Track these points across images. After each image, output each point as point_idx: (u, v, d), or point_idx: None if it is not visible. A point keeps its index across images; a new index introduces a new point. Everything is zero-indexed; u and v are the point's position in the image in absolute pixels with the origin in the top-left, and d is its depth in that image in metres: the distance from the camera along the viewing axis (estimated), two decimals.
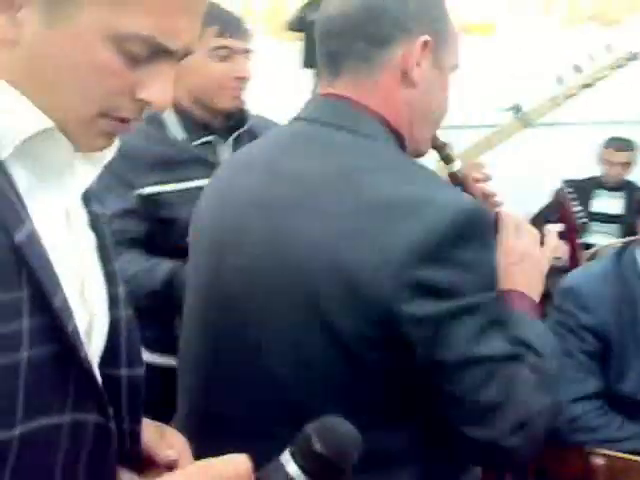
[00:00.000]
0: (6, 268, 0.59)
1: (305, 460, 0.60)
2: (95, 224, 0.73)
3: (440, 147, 1.04)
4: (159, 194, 1.25)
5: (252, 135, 1.40)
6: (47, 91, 0.63)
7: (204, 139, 1.43)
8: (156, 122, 1.39)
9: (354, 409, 0.72)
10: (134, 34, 0.61)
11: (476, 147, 1.67)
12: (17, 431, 0.58)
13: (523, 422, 0.82)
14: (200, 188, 1.18)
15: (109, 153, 0.71)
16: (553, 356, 0.89)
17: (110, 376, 0.70)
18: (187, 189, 1.36)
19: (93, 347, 0.67)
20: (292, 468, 0.60)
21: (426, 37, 0.92)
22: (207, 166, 1.33)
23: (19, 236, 0.59)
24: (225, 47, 1.39)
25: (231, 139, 1.43)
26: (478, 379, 0.81)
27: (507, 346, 0.83)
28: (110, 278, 0.72)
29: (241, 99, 1.44)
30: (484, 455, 0.87)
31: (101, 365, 0.70)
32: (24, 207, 0.62)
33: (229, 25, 1.40)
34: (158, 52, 0.63)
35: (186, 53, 0.66)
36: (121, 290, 0.73)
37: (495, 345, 0.82)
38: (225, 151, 1.44)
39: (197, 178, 1.35)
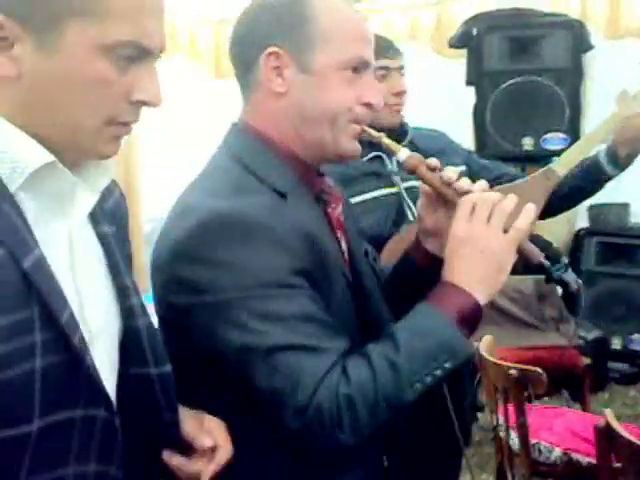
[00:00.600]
0: (16, 291, 0.68)
1: None
2: (104, 242, 0.82)
3: (379, 141, 1.03)
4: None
5: (414, 147, 1.51)
6: (52, 116, 0.71)
7: (372, 154, 1.58)
8: None
9: (183, 380, 0.85)
10: (119, 41, 0.70)
11: (575, 149, 1.74)
12: (35, 426, 0.70)
13: (306, 407, 0.84)
14: (375, 198, 1.54)
15: (106, 180, 0.80)
16: (412, 356, 0.86)
17: (141, 375, 0.83)
18: (363, 201, 1.56)
19: (98, 354, 0.76)
20: None
21: (271, 49, 0.95)
22: (377, 178, 1.58)
23: (27, 263, 0.69)
24: (382, 67, 1.56)
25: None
26: (255, 367, 0.86)
27: (285, 336, 0.86)
28: (122, 291, 0.82)
29: (400, 114, 1.59)
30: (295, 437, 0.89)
31: (131, 367, 0.83)
32: (32, 235, 0.71)
33: (382, 47, 1.55)
34: (140, 55, 0.72)
35: (161, 52, 0.75)
36: (136, 301, 0.83)
37: (264, 336, 0.86)
38: (393, 163, 1.61)
39: (370, 190, 1.58)
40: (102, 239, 0.82)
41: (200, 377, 0.94)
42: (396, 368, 0.86)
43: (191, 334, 0.92)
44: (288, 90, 0.97)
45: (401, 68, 1.64)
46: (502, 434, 1.95)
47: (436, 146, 1.64)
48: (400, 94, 1.62)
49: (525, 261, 0.96)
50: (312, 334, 0.88)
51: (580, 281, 1.09)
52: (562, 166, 1.64)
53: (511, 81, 2.85)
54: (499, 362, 1.84)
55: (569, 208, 1.88)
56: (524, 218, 0.94)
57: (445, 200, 0.98)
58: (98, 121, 0.72)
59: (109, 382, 0.79)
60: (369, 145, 1.41)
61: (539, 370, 1.75)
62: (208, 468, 0.85)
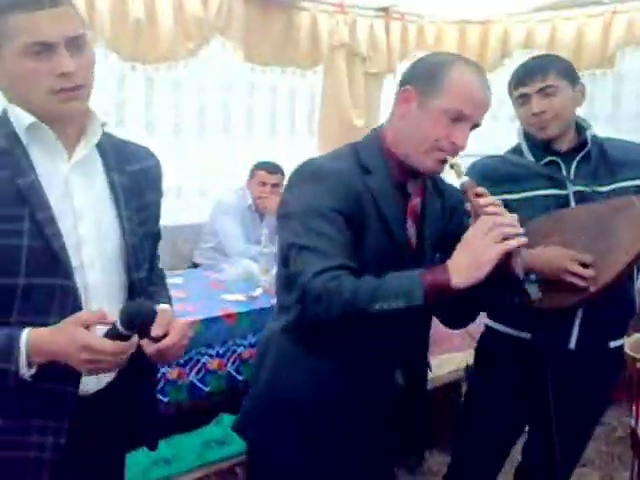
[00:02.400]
0: (12, 201, 1.16)
1: (120, 320, 1.16)
2: (112, 185, 1.29)
3: (452, 166, 1.35)
4: (505, 200, 1.48)
5: (601, 154, 1.81)
6: (21, 98, 1.21)
7: (547, 159, 1.82)
8: (518, 151, 1.88)
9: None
10: (31, 42, 1.14)
11: None
12: (21, 281, 1.16)
13: (303, 287, 1.26)
14: (543, 196, 1.78)
15: (96, 136, 1.26)
16: (386, 287, 1.22)
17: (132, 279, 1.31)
18: (531, 197, 1.79)
19: (88, 253, 1.24)
20: (117, 323, 1.16)
21: (409, 86, 1.37)
22: (548, 179, 1.79)
23: (21, 182, 1.17)
24: (521, 95, 1.81)
25: (576, 160, 1.80)
26: (290, 256, 1.32)
27: (310, 241, 1.28)
28: (121, 218, 1.28)
29: (546, 129, 1.79)
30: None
31: (126, 271, 1.31)
32: (32, 167, 1.20)
33: (521, 77, 1.81)
34: (44, 48, 1.15)
35: (66, 40, 1.17)
36: (129, 225, 1.29)
37: (299, 238, 1.30)
38: (570, 169, 1.80)
39: (539, 189, 1.80)
40: (111, 183, 1.29)
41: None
42: (372, 289, 1.23)
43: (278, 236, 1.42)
44: (407, 116, 1.38)
45: (541, 90, 1.77)
46: None
47: (624, 157, 1.80)
48: (536, 114, 1.78)
49: (506, 268, 1.22)
50: (327, 246, 1.28)
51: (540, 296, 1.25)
52: None
53: None
54: None
55: None
56: (514, 241, 1.20)
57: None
58: (47, 94, 1.18)
59: (94, 271, 1.25)
60: (546, 151, 1.80)
61: None
62: (150, 347, 1.23)
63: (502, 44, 4.18)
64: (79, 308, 1.21)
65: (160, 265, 1.56)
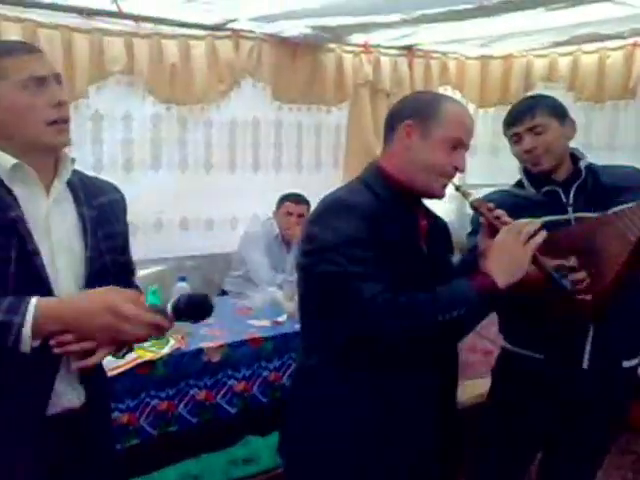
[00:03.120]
0: (4, 230, 1.26)
1: (174, 307, 1.27)
2: (81, 217, 1.39)
3: (457, 189, 1.55)
4: None
5: (595, 181, 1.91)
6: (10, 140, 1.31)
7: (546, 189, 1.93)
8: (520, 185, 2.01)
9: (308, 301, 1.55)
10: (28, 76, 1.29)
11: None
12: (13, 254, 1.25)
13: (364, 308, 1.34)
14: (546, 222, 1.76)
15: (68, 173, 1.39)
16: (442, 299, 1.35)
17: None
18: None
19: (60, 283, 1.31)
20: (169, 309, 1.28)
21: (409, 121, 1.51)
22: (549, 207, 1.89)
23: (12, 215, 1.27)
24: (514, 134, 1.94)
25: (573, 188, 1.91)
26: (335, 286, 1.38)
27: (352, 268, 1.36)
28: (88, 245, 1.37)
29: (539, 164, 1.91)
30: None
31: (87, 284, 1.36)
32: (18, 204, 1.30)
33: (513, 118, 1.95)
34: (39, 82, 1.30)
35: (54, 76, 1.33)
36: (92, 253, 1.38)
37: (341, 266, 1.37)
38: (569, 196, 1.91)
39: (541, 216, 1.80)
40: (80, 215, 1.39)
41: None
42: (431, 302, 1.35)
43: (306, 272, 1.48)
44: (411, 147, 1.51)
45: (531, 129, 1.90)
46: None
47: (622, 182, 1.90)
48: (528, 151, 1.92)
49: (538, 266, 1.43)
50: (370, 271, 1.36)
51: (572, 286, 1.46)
52: None
53: None
54: None
55: None
56: (538, 236, 1.42)
57: (495, 230, 1.47)
58: (42, 125, 1.30)
59: (66, 281, 1.33)
60: (545, 182, 1.93)
61: None
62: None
63: (524, 78, 4.27)
64: None
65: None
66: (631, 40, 3.70)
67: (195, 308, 1.29)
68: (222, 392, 2.47)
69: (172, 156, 3.60)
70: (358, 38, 3.81)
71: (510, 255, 1.40)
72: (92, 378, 1.38)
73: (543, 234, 1.41)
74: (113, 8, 2.98)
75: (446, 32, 3.57)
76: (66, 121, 1.33)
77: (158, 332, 1.30)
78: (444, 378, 1.55)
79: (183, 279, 2.84)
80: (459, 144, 1.50)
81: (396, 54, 4.12)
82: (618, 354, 1.90)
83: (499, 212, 1.47)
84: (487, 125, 4.38)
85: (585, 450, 1.93)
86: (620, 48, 3.82)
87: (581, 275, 1.68)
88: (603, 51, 3.90)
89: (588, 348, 1.85)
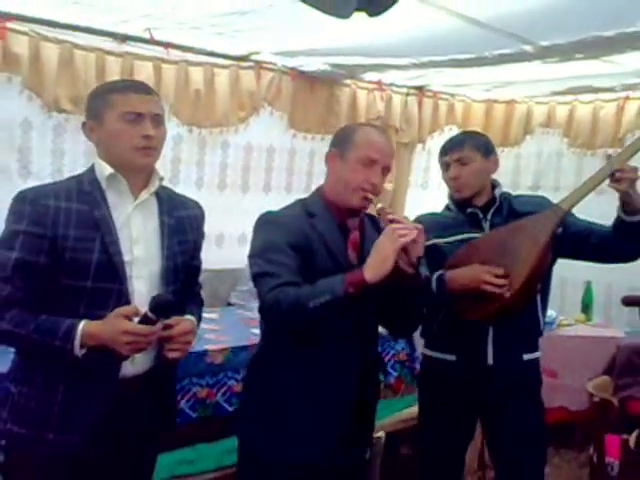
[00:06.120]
0: (88, 226, 1.62)
1: (149, 307, 1.56)
2: (161, 223, 1.73)
3: (370, 200, 1.79)
4: (438, 244, 2.15)
5: (509, 208, 2.22)
6: (110, 152, 1.68)
7: (469, 210, 2.22)
8: (448, 207, 2.32)
9: None
10: (128, 111, 1.65)
11: (579, 190, 2.07)
12: (89, 284, 1.60)
13: (263, 301, 1.68)
14: (467, 238, 2.17)
15: (155, 187, 1.74)
16: (316, 289, 1.61)
17: (166, 290, 1.70)
18: (457, 240, 2.19)
19: (137, 270, 1.66)
20: (147, 310, 1.56)
21: (333, 149, 1.85)
22: (470, 226, 2.20)
23: (97, 214, 1.64)
24: (444, 163, 2.25)
25: (491, 212, 2.22)
26: (256, 283, 1.72)
27: (267, 268, 1.67)
28: (164, 248, 1.71)
29: (460, 191, 2.22)
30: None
31: (163, 284, 1.70)
32: (107, 204, 1.67)
33: (445, 149, 2.26)
34: (137, 117, 1.65)
35: (150, 115, 1.68)
36: (167, 251, 1.72)
37: (260, 267, 1.70)
38: (487, 218, 2.21)
39: (462, 233, 2.20)
40: (161, 221, 1.74)
41: None
42: (307, 291, 1.61)
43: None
44: (335, 170, 1.84)
45: (458, 160, 2.19)
46: None
47: (530, 207, 2.17)
48: (452, 179, 2.22)
49: (404, 260, 1.62)
50: (278, 269, 1.67)
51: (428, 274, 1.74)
52: (566, 203, 2.06)
53: None
54: None
55: (604, 256, 2.17)
56: (405, 236, 1.59)
57: None
58: (134, 151, 1.66)
59: (140, 281, 1.67)
60: (468, 205, 2.22)
61: None
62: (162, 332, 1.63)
63: (525, 122, 4.53)
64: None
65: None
66: (623, 94, 3.96)
67: (161, 305, 1.57)
68: (222, 391, 2.67)
69: (190, 175, 3.83)
70: (372, 76, 4.08)
71: (378, 251, 1.60)
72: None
73: (412, 234, 1.60)
74: (146, 35, 3.25)
75: (453, 76, 3.83)
76: (152, 149, 1.67)
77: (152, 334, 1.59)
78: (363, 353, 1.83)
79: None
80: (373, 163, 1.77)
81: (407, 93, 4.39)
82: (518, 349, 2.17)
83: (394, 217, 1.68)
84: None
85: (523, 435, 2.16)
86: (613, 100, 4.09)
87: (501, 281, 1.98)
88: (597, 102, 4.18)
89: (490, 346, 2.14)
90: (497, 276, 1.99)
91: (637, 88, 3.77)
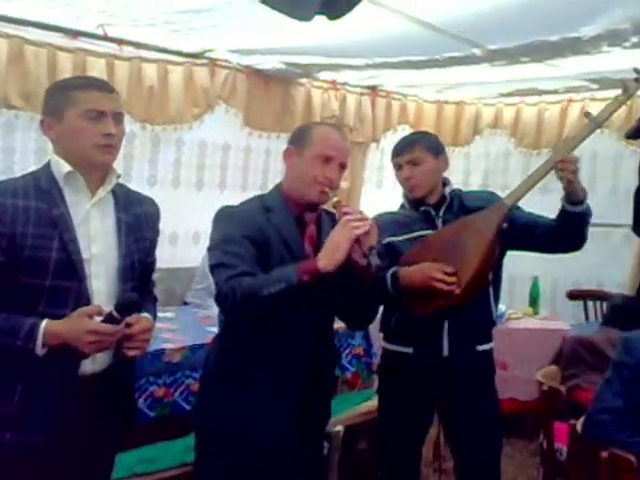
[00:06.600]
0: (46, 224, 1.59)
1: (115, 307, 1.58)
2: (118, 220, 1.72)
3: (332, 196, 1.84)
4: (393, 242, 2.22)
5: (460, 204, 2.28)
6: (69, 150, 1.65)
7: (423, 208, 2.27)
8: (403, 206, 2.37)
9: None
10: (90, 108, 1.62)
11: (522, 185, 2.14)
12: (48, 283, 1.58)
13: (219, 291, 1.70)
14: (420, 235, 2.23)
15: (112, 184, 1.71)
16: (270, 278, 1.66)
17: (123, 288, 1.69)
18: (413, 237, 2.25)
19: (95, 267, 1.65)
20: (113, 310, 1.58)
21: (290, 147, 1.90)
22: (424, 223, 2.26)
23: (55, 212, 1.61)
24: (396, 164, 2.30)
25: (442, 209, 2.27)
26: (213, 273, 1.75)
27: (223, 259, 1.72)
28: (122, 245, 1.70)
29: (413, 191, 2.27)
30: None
31: (120, 282, 1.69)
32: (65, 203, 1.64)
33: (397, 150, 2.30)
34: (99, 115, 1.63)
35: (111, 113, 1.66)
36: (124, 249, 1.71)
37: (216, 259, 1.74)
38: (439, 215, 2.27)
39: (416, 231, 2.26)
40: (117, 218, 1.73)
41: None
42: (261, 280, 1.67)
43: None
44: (293, 166, 1.89)
45: (410, 161, 2.25)
46: None
47: (479, 202, 2.25)
48: (405, 179, 2.28)
49: (357, 251, 1.67)
50: (234, 261, 1.71)
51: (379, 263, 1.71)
52: (510, 198, 2.15)
53: None
54: None
55: (549, 247, 2.24)
56: (358, 228, 1.65)
57: None
58: (93, 147, 1.64)
59: (99, 279, 1.65)
60: (421, 204, 2.28)
61: None
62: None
63: (474, 123, 4.67)
64: (88, 305, 1.61)
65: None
66: (566, 96, 4.13)
67: (127, 305, 1.60)
68: (180, 390, 2.67)
69: (142, 172, 3.80)
70: (327, 75, 4.13)
71: (332, 241, 1.67)
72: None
73: (366, 226, 1.67)
74: (99, 31, 3.20)
75: (406, 77, 3.92)
76: (111, 147, 1.66)
77: (116, 333, 1.60)
78: (318, 346, 1.87)
79: None
80: (329, 159, 1.83)
81: (361, 92, 4.46)
82: (472, 341, 2.26)
83: (348, 210, 1.75)
84: None
85: (479, 424, 2.24)
86: (557, 103, 4.26)
87: (451, 279, 2.05)
88: (542, 104, 4.34)
89: (446, 338, 2.22)
90: (447, 274, 2.06)
91: (580, 91, 3.94)
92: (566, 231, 2.14)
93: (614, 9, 2.43)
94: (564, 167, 2.03)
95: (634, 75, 2.06)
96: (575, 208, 2.08)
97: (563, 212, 2.11)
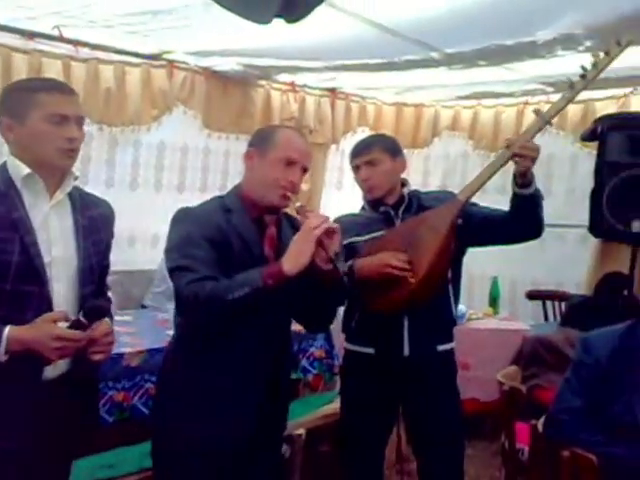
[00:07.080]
0: (6, 227, 1.55)
1: (84, 313, 1.57)
2: (75, 221, 1.70)
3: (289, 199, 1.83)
4: (354, 242, 2.23)
5: (419, 203, 2.32)
6: (31, 153, 1.62)
7: (382, 209, 2.30)
8: (363, 208, 2.41)
9: None
10: (54, 113, 1.60)
11: (475, 181, 2.17)
12: (8, 287, 1.55)
13: (180, 295, 1.72)
14: (380, 235, 2.25)
15: (69, 187, 1.69)
16: (235, 282, 1.64)
17: (83, 292, 1.69)
18: (373, 237, 2.27)
19: (56, 271, 1.62)
20: (80, 316, 1.58)
21: (251, 148, 1.88)
22: (384, 223, 2.29)
23: (15, 215, 1.58)
24: (355, 166, 2.35)
25: (401, 209, 2.31)
26: (172, 276, 1.73)
27: (184, 262, 1.69)
28: (80, 246, 1.68)
29: (371, 192, 2.31)
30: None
31: (80, 286, 1.68)
32: (23, 206, 1.61)
33: (355, 152, 2.36)
34: (62, 119, 1.61)
35: (75, 118, 1.64)
36: (83, 252, 1.69)
37: (176, 262, 1.72)
38: (398, 215, 2.30)
39: (377, 231, 2.28)
40: (75, 221, 1.70)
41: None
42: (225, 285, 1.65)
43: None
44: (254, 168, 1.86)
45: (367, 162, 2.28)
46: None
47: (437, 202, 2.28)
48: (364, 181, 2.31)
49: (321, 256, 1.68)
50: (194, 264, 1.69)
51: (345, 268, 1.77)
52: (463, 194, 2.18)
53: (628, 172, 3.27)
54: None
55: (507, 238, 2.26)
56: (317, 229, 1.66)
57: None
58: (55, 151, 1.61)
59: (59, 282, 1.63)
60: (381, 204, 2.31)
61: None
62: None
63: (433, 125, 4.73)
64: (49, 309, 1.58)
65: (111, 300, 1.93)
66: (523, 99, 4.22)
67: (95, 310, 1.60)
68: (139, 394, 2.63)
69: (99, 174, 3.74)
70: (286, 77, 4.12)
71: (296, 244, 1.68)
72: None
73: (323, 227, 1.67)
74: (54, 32, 3.14)
75: (365, 79, 3.94)
76: (74, 151, 1.65)
77: (82, 339, 1.58)
78: (276, 349, 1.87)
79: None
80: (293, 163, 1.82)
81: (320, 95, 4.47)
82: (432, 340, 2.29)
83: (311, 214, 1.76)
84: None
85: (441, 424, 2.27)
86: (513, 105, 4.35)
87: (405, 265, 2.09)
88: (499, 107, 4.43)
89: (406, 338, 2.24)
90: (401, 260, 2.08)
91: (535, 94, 4.02)
92: (522, 216, 2.14)
93: (568, 14, 2.50)
94: (526, 153, 2.02)
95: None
96: (526, 190, 2.08)
97: (515, 196, 2.12)
